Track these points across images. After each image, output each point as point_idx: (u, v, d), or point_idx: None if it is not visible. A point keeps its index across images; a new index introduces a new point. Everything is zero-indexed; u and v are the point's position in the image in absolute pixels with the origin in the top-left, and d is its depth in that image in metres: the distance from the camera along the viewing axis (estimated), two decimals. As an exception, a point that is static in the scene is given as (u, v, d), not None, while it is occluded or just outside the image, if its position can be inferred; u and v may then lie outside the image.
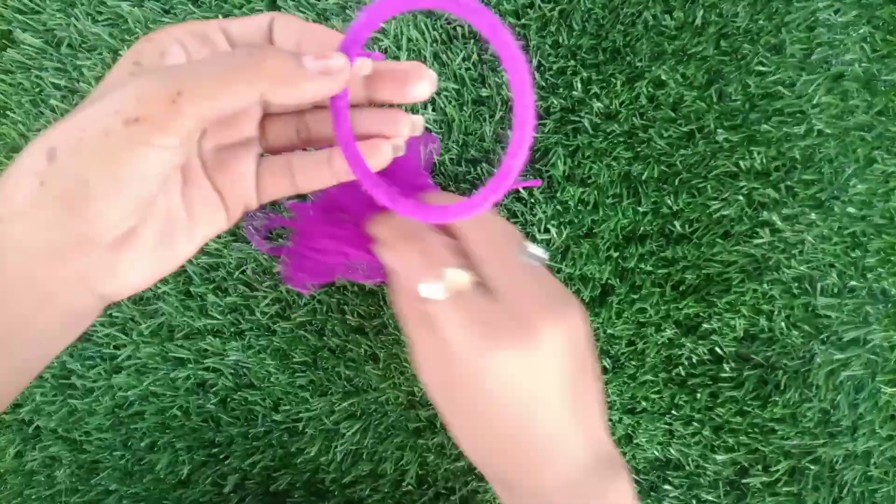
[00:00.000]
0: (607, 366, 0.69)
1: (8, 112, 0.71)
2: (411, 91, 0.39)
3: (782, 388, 0.67)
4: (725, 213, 0.67)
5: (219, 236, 0.68)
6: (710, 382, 0.68)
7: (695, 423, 0.69)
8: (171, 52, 0.36)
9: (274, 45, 0.39)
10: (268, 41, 0.39)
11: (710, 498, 0.68)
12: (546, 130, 0.69)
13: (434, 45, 0.68)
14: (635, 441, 0.69)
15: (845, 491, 0.67)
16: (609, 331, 0.69)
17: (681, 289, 0.69)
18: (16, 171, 0.33)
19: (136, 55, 0.36)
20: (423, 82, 0.39)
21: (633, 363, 0.69)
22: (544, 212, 0.68)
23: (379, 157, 0.40)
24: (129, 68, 0.36)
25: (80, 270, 0.33)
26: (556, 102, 0.68)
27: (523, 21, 0.68)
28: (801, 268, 0.66)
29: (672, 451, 0.69)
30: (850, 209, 0.65)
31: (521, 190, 0.69)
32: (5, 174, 0.34)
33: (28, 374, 0.36)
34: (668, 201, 0.67)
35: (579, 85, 0.68)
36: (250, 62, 0.31)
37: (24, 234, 0.32)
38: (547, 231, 0.68)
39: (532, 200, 0.69)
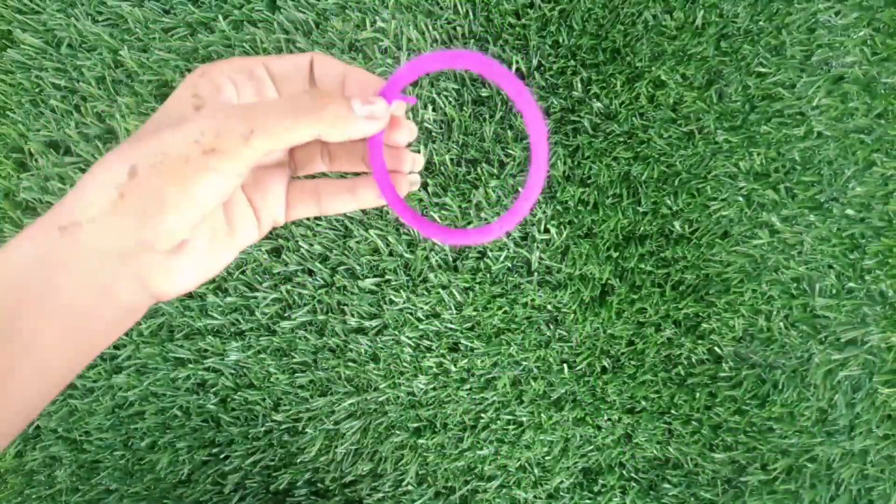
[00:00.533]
0: (607, 365, 0.70)
1: (8, 112, 0.71)
2: (390, 135, 0.45)
3: (780, 387, 0.68)
4: (725, 213, 0.67)
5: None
6: (708, 382, 0.69)
7: (693, 423, 0.69)
8: (224, 88, 0.41)
9: (315, 82, 0.44)
10: (308, 78, 0.44)
11: (708, 496, 0.69)
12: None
13: (434, 44, 0.68)
14: (634, 440, 0.70)
15: (842, 489, 0.68)
16: (609, 331, 0.69)
17: (680, 289, 0.69)
18: (95, 181, 0.37)
19: (194, 87, 0.40)
20: (399, 130, 0.44)
21: (633, 363, 0.69)
22: (544, 212, 0.68)
23: (399, 189, 0.47)
24: (190, 100, 0.40)
25: (140, 272, 0.38)
26: (555, 102, 0.68)
27: (523, 21, 0.68)
28: (800, 268, 0.66)
29: (671, 449, 0.69)
30: (849, 211, 0.65)
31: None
32: (84, 182, 0.37)
33: (87, 359, 0.41)
34: (668, 201, 0.68)
35: (579, 85, 0.68)
36: (312, 108, 0.37)
37: (98, 238, 0.37)
38: (547, 231, 0.68)
39: (532, 201, 0.69)
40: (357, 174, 0.62)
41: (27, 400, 0.38)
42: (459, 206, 0.68)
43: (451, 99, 0.68)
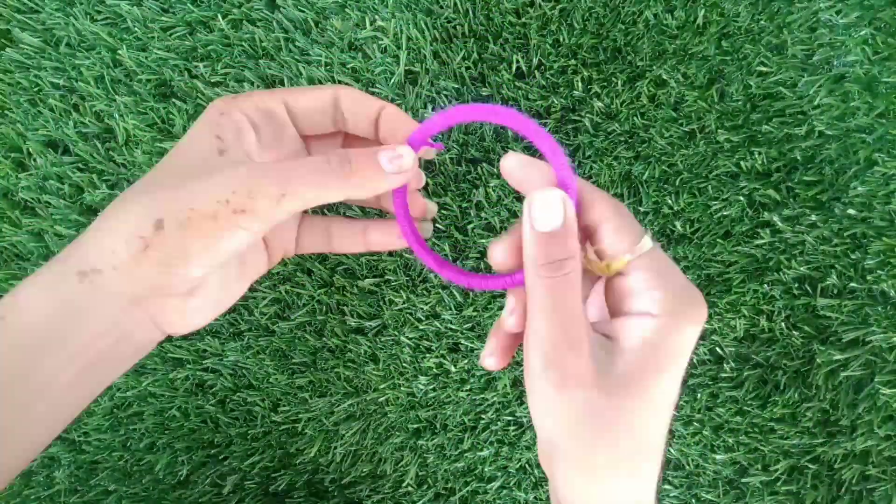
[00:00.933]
0: (607, 366, 0.69)
1: (7, 112, 0.70)
2: None
3: (782, 388, 0.67)
4: (726, 213, 0.67)
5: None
6: (710, 382, 0.68)
7: (695, 423, 0.69)
8: (245, 130, 0.41)
9: (341, 118, 0.43)
10: (333, 117, 0.44)
11: (709, 497, 0.69)
12: (547, 130, 0.69)
13: (434, 43, 0.68)
14: (635, 441, 0.69)
15: (843, 490, 0.67)
16: (609, 331, 0.69)
17: (681, 289, 0.68)
18: (118, 230, 0.37)
19: (217, 128, 0.40)
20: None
21: (634, 363, 0.69)
22: (545, 212, 0.68)
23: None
24: (213, 142, 0.40)
25: (156, 314, 0.39)
26: (556, 102, 0.68)
27: (524, 20, 0.68)
28: (802, 268, 0.66)
29: (672, 450, 0.69)
30: (851, 211, 0.65)
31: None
32: (104, 228, 0.38)
33: (96, 394, 0.42)
34: (669, 201, 0.67)
35: (580, 84, 0.68)
36: (342, 174, 0.38)
37: (118, 286, 0.37)
38: (547, 231, 0.68)
39: (532, 200, 0.69)
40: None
41: (37, 437, 0.38)
42: (459, 206, 0.68)
43: (450, 98, 0.68)
